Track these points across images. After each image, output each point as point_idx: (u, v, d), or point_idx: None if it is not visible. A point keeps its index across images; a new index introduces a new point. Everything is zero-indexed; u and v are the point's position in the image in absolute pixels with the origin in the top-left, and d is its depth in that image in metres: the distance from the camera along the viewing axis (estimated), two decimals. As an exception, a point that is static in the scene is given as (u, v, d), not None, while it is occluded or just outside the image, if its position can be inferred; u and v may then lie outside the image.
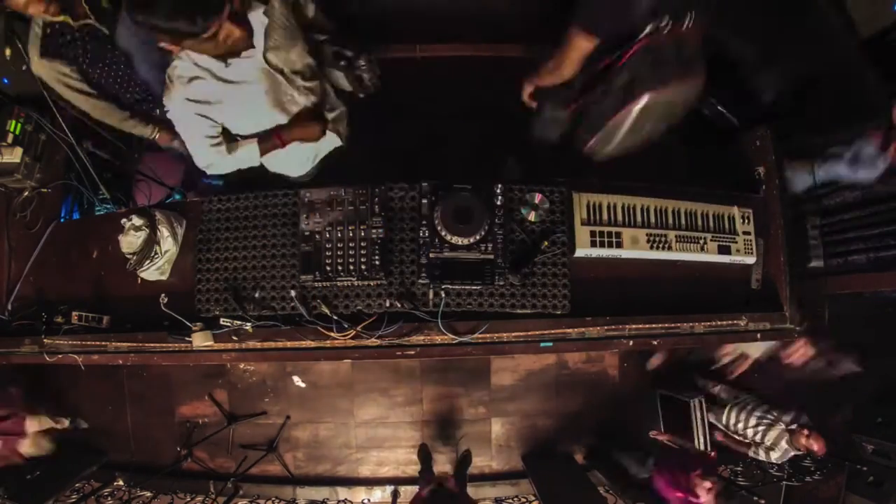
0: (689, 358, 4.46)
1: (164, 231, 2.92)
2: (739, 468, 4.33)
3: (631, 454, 4.32)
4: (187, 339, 2.78)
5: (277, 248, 2.91)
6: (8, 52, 2.95)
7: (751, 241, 3.18)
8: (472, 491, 4.43)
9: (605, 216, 2.99)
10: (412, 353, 2.90)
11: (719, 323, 3.13)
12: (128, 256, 2.92)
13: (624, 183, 3.11)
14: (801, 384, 4.13)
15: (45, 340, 3.07)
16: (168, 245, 2.95)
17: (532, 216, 2.89)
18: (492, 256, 2.75)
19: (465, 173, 2.97)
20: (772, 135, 3.31)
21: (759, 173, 3.43)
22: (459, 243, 2.73)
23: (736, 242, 3.15)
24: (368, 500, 4.50)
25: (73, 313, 2.99)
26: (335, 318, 2.76)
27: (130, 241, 2.89)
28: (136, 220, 2.87)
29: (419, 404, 4.47)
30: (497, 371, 4.44)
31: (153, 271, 2.98)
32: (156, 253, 2.90)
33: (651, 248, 3.01)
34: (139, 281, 3.04)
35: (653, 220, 3.06)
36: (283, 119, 2.71)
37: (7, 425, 3.91)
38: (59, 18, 2.78)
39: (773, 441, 3.73)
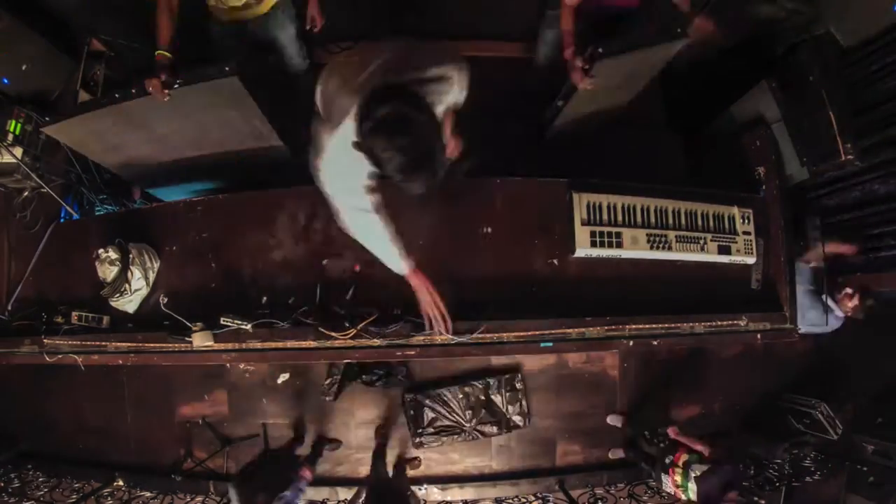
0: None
1: (135, 272, 2.95)
2: (739, 469, 4.32)
3: None
4: (187, 339, 2.79)
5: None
6: None
7: (751, 241, 3.19)
8: (473, 491, 4.44)
9: (605, 216, 2.99)
10: (412, 353, 2.89)
11: (719, 323, 3.14)
12: (103, 283, 2.96)
13: (624, 183, 3.11)
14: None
15: (44, 340, 3.07)
16: (138, 285, 2.99)
17: None
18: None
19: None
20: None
21: (759, 173, 3.44)
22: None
23: (736, 242, 3.16)
24: (368, 500, 4.49)
25: (73, 313, 3.00)
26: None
27: (105, 271, 2.93)
28: (112, 254, 2.90)
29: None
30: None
31: (124, 302, 3.01)
32: (125, 290, 2.93)
33: (651, 248, 3.02)
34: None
35: (653, 220, 3.07)
36: None
37: None
38: None
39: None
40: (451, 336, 2.72)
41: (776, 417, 4.48)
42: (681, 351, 4.47)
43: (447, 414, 4.27)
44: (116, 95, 2.83)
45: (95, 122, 2.96)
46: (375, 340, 2.79)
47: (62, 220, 3.42)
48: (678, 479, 3.40)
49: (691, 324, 3.11)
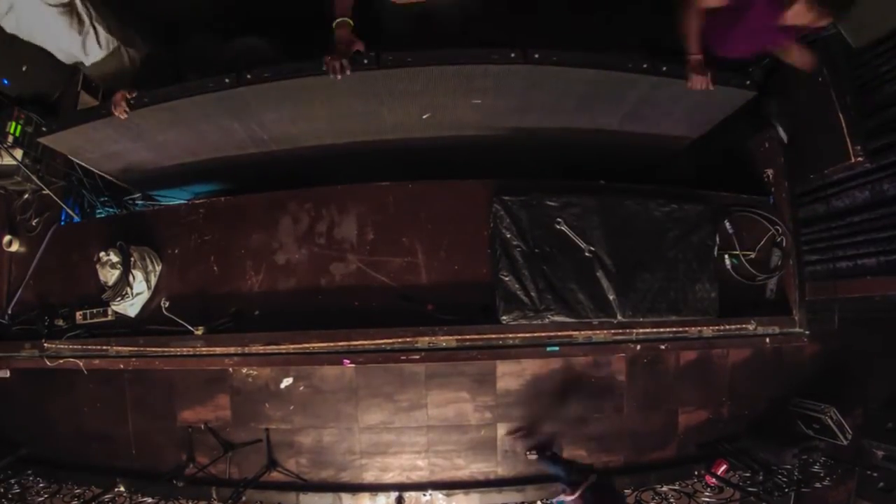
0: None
1: (137, 275, 2.94)
2: (748, 474, 4.29)
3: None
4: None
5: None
6: None
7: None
8: (478, 497, 4.40)
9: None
10: (417, 357, 2.86)
11: (728, 327, 3.10)
12: (105, 286, 2.93)
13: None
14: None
15: (45, 345, 3.04)
16: (140, 288, 2.98)
17: None
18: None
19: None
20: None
21: (767, 176, 3.41)
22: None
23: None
24: (372, 505, 4.46)
25: (77, 312, 2.98)
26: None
27: (106, 274, 2.91)
28: (113, 257, 2.88)
29: (424, 409, 4.42)
30: (503, 375, 4.39)
31: (125, 306, 2.99)
32: (127, 293, 2.91)
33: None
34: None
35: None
36: None
37: None
38: None
39: None
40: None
41: (785, 422, 4.44)
42: (689, 355, 4.43)
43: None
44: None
45: (92, 132, 2.93)
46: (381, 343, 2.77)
47: (63, 223, 3.39)
48: None
49: (699, 328, 3.07)
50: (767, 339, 3.20)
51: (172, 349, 2.92)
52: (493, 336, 2.87)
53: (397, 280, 2.97)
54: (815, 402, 4.28)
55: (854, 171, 3.57)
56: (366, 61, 2.59)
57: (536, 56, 2.64)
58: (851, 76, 3.43)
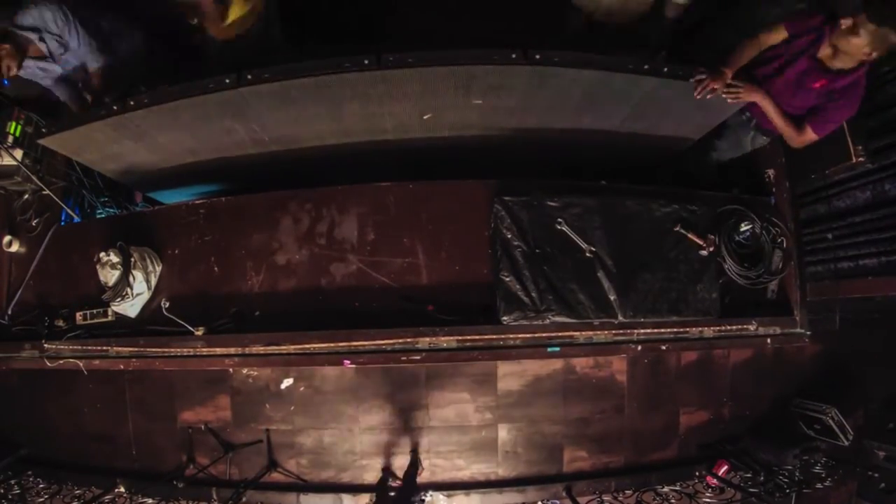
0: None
1: (138, 276, 2.93)
2: (749, 475, 4.28)
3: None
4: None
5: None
6: None
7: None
8: (479, 498, 4.39)
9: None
10: (418, 357, 2.85)
11: (729, 328, 3.09)
12: (105, 287, 2.92)
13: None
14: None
15: (45, 345, 3.03)
16: (140, 289, 2.97)
17: None
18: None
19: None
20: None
21: (769, 176, 3.40)
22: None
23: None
24: (372, 507, 4.45)
25: (77, 313, 2.97)
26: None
27: (106, 274, 2.90)
28: (113, 258, 2.87)
29: (424, 410, 4.42)
30: (504, 376, 4.38)
31: (126, 306, 2.99)
32: (127, 294, 2.90)
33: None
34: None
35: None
36: None
37: None
38: None
39: None
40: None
41: (786, 423, 4.43)
42: (690, 355, 4.43)
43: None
44: (114, 107, 2.79)
45: (93, 133, 2.92)
46: (381, 344, 2.76)
47: (63, 223, 3.39)
48: None
49: (700, 328, 3.06)
50: (768, 340, 3.18)
51: (173, 350, 2.91)
52: (494, 337, 2.86)
53: (398, 280, 2.96)
54: (816, 402, 4.28)
55: (855, 172, 3.57)
56: (366, 62, 2.58)
57: (537, 57, 2.62)
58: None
